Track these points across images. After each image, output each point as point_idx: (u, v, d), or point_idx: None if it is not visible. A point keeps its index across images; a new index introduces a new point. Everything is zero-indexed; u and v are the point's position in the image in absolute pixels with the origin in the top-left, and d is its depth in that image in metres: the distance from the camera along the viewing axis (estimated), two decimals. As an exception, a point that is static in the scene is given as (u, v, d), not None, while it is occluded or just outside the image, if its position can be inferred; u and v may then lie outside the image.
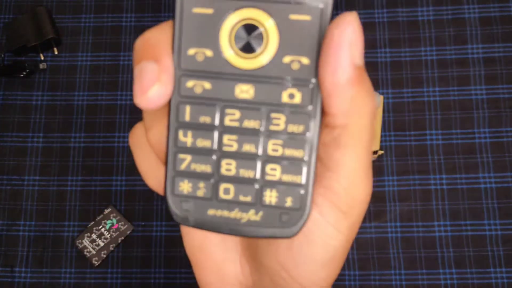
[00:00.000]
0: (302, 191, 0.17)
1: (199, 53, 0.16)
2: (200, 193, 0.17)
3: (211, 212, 0.17)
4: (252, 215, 0.17)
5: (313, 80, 0.16)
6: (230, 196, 0.17)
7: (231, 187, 0.17)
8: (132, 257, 0.69)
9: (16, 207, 0.71)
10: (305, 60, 0.16)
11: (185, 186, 0.17)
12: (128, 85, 0.75)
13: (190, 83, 0.17)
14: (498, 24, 0.75)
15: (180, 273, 0.68)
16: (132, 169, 0.72)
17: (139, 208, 0.71)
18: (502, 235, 0.68)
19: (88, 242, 0.69)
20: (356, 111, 0.16)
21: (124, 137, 0.73)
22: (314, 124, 0.17)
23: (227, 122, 0.17)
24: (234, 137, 0.17)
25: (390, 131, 0.72)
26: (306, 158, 0.17)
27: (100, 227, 0.70)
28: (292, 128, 0.17)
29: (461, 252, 0.68)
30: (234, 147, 0.17)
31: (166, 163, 0.18)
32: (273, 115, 0.17)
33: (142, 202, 0.71)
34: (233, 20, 0.16)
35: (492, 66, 0.73)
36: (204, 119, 0.17)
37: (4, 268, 0.69)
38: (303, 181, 0.17)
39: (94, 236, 0.69)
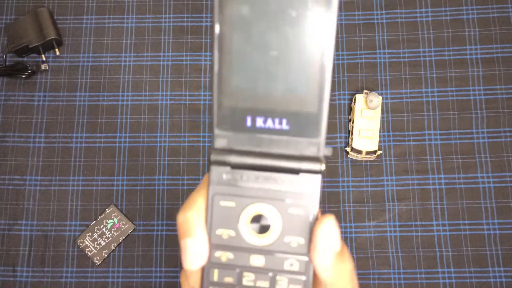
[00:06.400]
0: None
1: (224, 233, 0.23)
2: None
3: None
4: None
5: (307, 255, 0.23)
6: None
7: None
8: (133, 256, 0.70)
9: (18, 207, 0.72)
10: (301, 241, 0.23)
11: None
12: (129, 85, 0.76)
13: (217, 254, 0.23)
14: (497, 25, 0.75)
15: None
16: (133, 169, 0.73)
17: (141, 208, 0.71)
18: (500, 235, 0.68)
19: (89, 242, 0.69)
20: (338, 277, 0.22)
21: (126, 137, 0.74)
22: (307, 284, 0.23)
23: (245, 282, 0.23)
24: None
25: (389, 131, 0.72)
26: None
27: (101, 226, 0.70)
28: (292, 286, 0.23)
29: (460, 251, 0.68)
30: None
31: None
32: (278, 277, 0.23)
33: (144, 201, 0.72)
34: (249, 211, 0.23)
35: (490, 67, 0.74)
36: (228, 279, 0.23)
37: (6, 268, 0.70)
38: None
39: (95, 235, 0.70)
